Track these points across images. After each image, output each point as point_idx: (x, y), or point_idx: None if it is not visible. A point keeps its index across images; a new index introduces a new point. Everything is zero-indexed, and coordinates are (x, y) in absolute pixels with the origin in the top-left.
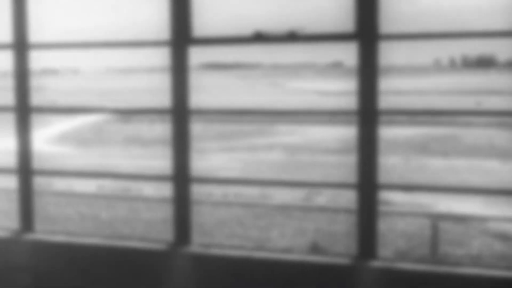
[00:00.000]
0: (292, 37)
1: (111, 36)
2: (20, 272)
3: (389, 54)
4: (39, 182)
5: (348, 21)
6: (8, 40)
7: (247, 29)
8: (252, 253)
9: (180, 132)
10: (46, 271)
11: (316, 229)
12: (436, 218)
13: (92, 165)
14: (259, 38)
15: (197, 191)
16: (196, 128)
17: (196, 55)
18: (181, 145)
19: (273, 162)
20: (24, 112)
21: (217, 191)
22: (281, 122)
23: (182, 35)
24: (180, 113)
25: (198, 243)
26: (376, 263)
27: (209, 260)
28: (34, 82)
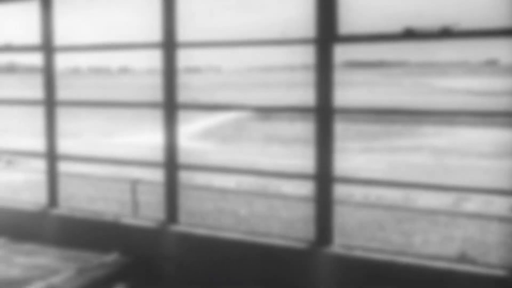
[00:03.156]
0: (445, 33)
1: (253, 34)
2: (166, 261)
3: None
4: (181, 175)
5: (508, 16)
6: (157, 39)
7: (396, 26)
8: (395, 257)
9: (324, 131)
10: (189, 262)
11: (464, 237)
12: None
13: (232, 161)
14: (410, 35)
15: (337, 191)
16: (337, 127)
17: (338, 53)
18: (324, 144)
19: (418, 164)
20: (171, 108)
21: (358, 192)
22: (427, 123)
23: (327, 33)
24: (324, 111)
25: (339, 244)
26: None
27: (350, 262)
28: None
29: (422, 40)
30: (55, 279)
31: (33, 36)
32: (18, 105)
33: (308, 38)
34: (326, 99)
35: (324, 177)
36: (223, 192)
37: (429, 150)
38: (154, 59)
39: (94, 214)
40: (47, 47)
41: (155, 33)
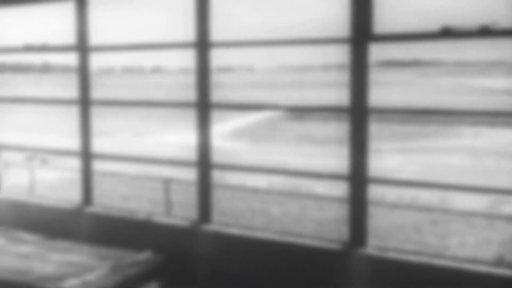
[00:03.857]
0: (484, 32)
1: (286, 33)
2: (198, 260)
3: None
4: (213, 175)
5: None
6: (190, 39)
7: (433, 24)
8: (431, 260)
9: (358, 131)
10: (222, 261)
11: (502, 240)
12: None
13: (264, 161)
14: (447, 33)
15: (370, 192)
16: (371, 127)
17: (373, 52)
18: (358, 144)
19: (455, 165)
20: (204, 108)
21: (391, 194)
22: (465, 124)
23: (362, 32)
24: (359, 111)
25: (373, 246)
26: None
27: (386, 264)
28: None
29: (460, 39)
30: (89, 276)
31: (68, 36)
32: (54, 105)
33: (343, 37)
34: (360, 99)
35: (358, 178)
36: (256, 192)
37: (466, 151)
38: (186, 58)
39: (127, 212)
40: (82, 47)
41: (187, 33)
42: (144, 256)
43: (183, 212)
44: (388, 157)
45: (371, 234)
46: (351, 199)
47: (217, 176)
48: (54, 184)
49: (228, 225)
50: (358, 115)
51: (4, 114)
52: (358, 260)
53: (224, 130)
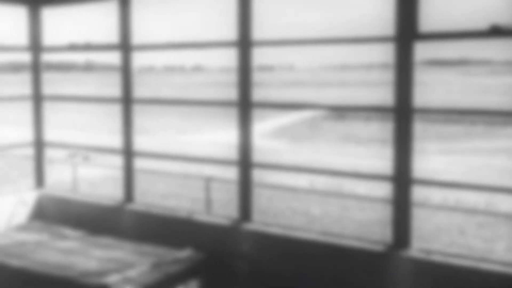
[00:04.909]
0: None
1: (328, 32)
2: (239, 258)
3: None
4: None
5: None
6: (231, 38)
7: (482, 23)
8: (478, 264)
9: (403, 131)
10: (262, 260)
11: None
12: None
13: (305, 160)
14: (496, 32)
15: (414, 193)
16: (415, 127)
17: (417, 51)
18: (403, 145)
19: (502, 167)
20: (246, 107)
21: (435, 195)
22: None
23: (408, 30)
24: (403, 111)
25: (417, 248)
26: None
27: (430, 267)
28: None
29: (510, 38)
30: (131, 273)
31: (110, 35)
32: (97, 103)
33: (388, 36)
34: (405, 98)
35: (402, 179)
36: (296, 191)
37: None
38: (227, 57)
39: (168, 210)
40: (125, 46)
41: (228, 32)
42: (184, 253)
43: (222, 210)
44: (432, 158)
45: (415, 236)
46: (395, 200)
47: (256, 175)
48: (96, 181)
49: (268, 225)
50: (403, 115)
51: (48, 112)
52: (402, 263)
53: (265, 129)
